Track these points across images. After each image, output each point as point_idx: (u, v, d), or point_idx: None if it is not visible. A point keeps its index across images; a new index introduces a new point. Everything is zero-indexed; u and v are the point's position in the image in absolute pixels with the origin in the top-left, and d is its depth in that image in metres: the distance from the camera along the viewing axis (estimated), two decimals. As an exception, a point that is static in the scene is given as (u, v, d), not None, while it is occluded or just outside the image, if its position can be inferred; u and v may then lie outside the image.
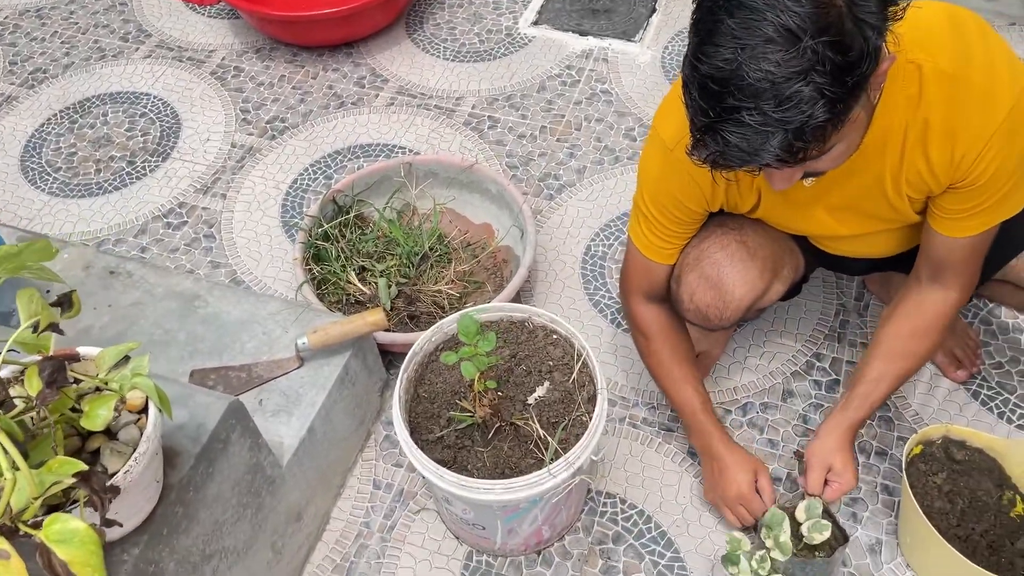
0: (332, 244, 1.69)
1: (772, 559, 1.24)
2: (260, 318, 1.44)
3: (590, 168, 2.00)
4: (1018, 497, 1.27)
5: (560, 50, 2.29)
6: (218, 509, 1.12)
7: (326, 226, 1.70)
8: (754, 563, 1.24)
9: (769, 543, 1.25)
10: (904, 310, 1.26)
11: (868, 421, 1.39)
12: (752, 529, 1.33)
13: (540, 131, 2.09)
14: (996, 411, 1.52)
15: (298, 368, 1.38)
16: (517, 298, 1.71)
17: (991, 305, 1.65)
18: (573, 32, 2.32)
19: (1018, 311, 1.54)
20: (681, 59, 2.27)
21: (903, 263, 1.36)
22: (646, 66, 2.23)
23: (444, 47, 2.33)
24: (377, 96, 2.20)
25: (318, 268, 1.67)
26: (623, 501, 1.46)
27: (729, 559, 1.27)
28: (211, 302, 1.45)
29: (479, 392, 1.17)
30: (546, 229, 1.88)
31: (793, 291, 1.51)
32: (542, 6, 2.41)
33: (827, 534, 1.23)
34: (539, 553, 1.40)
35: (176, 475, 1.03)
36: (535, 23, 2.36)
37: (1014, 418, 1.51)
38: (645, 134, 2.06)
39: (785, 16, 0.79)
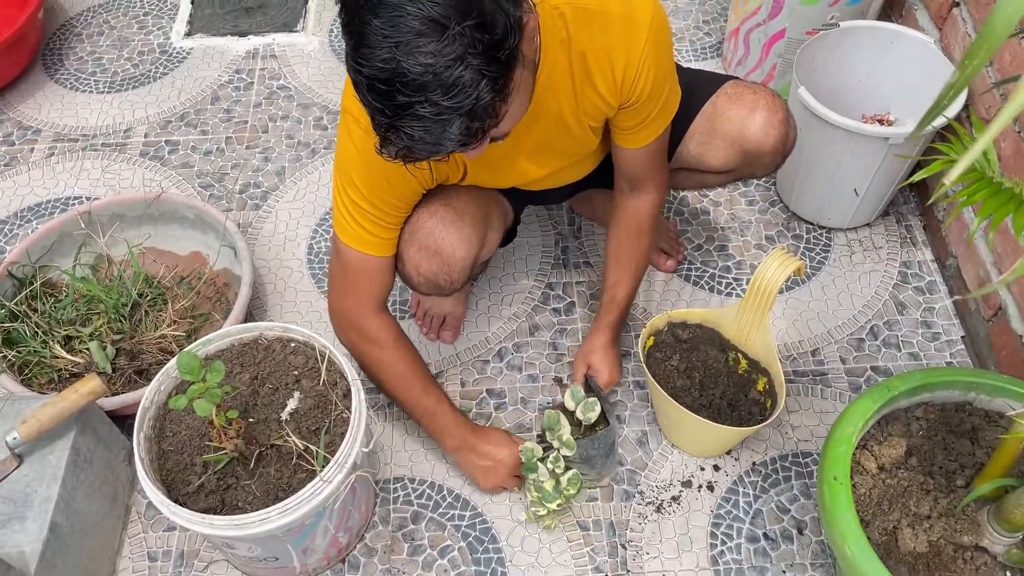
0: (22, 323, 1.51)
1: (563, 456, 1.33)
2: (-45, 428, 1.26)
3: (289, 167, 1.94)
4: (739, 355, 1.42)
5: (223, 56, 2.19)
6: (-40, 653, 0.98)
7: (9, 304, 1.51)
8: (550, 464, 1.33)
9: (556, 443, 1.33)
10: (616, 220, 1.41)
11: (626, 320, 1.51)
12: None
13: (226, 143, 1.99)
14: (706, 287, 1.70)
15: (18, 467, 1.22)
16: (250, 318, 1.63)
17: (680, 196, 1.83)
18: (232, 35, 2.22)
19: (697, 189, 1.71)
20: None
21: (594, 180, 1.47)
22: (316, 53, 2.19)
23: (95, 80, 2.13)
24: (32, 150, 1.98)
25: (14, 352, 1.48)
26: (412, 480, 1.46)
27: (527, 467, 1.34)
28: None
29: (222, 426, 1.11)
30: (261, 239, 1.81)
31: (509, 236, 1.58)
32: (191, 15, 2.28)
33: (599, 409, 1.35)
34: (344, 560, 1.37)
35: None
36: (188, 34, 2.23)
37: (721, 288, 1.69)
38: (335, 120, 2.03)
39: (427, 8, 0.80)
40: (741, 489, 1.43)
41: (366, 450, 1.22)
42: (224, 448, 1.15)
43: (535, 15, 0.94)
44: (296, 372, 1.28)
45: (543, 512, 1.36)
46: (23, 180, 1.92)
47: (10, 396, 1.33)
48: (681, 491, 1.43)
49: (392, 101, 0.84)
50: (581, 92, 1.15)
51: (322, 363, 1.28)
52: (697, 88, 1.37)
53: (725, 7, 2.24)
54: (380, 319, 1.32)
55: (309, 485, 1.13)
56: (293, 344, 1.31)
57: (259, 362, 1.29)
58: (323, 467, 1.15)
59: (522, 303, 1.69)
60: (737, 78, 1.40)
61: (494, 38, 0.83)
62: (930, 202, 1.69)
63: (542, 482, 1.34)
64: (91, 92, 2.11)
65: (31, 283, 1.57)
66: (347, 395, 1.25)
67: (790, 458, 1.46)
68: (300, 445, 1.18)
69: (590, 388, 1.43)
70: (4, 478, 1.21)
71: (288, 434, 1.19)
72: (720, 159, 1.37)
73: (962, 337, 1.59)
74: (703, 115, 1.36)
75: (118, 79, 2.14)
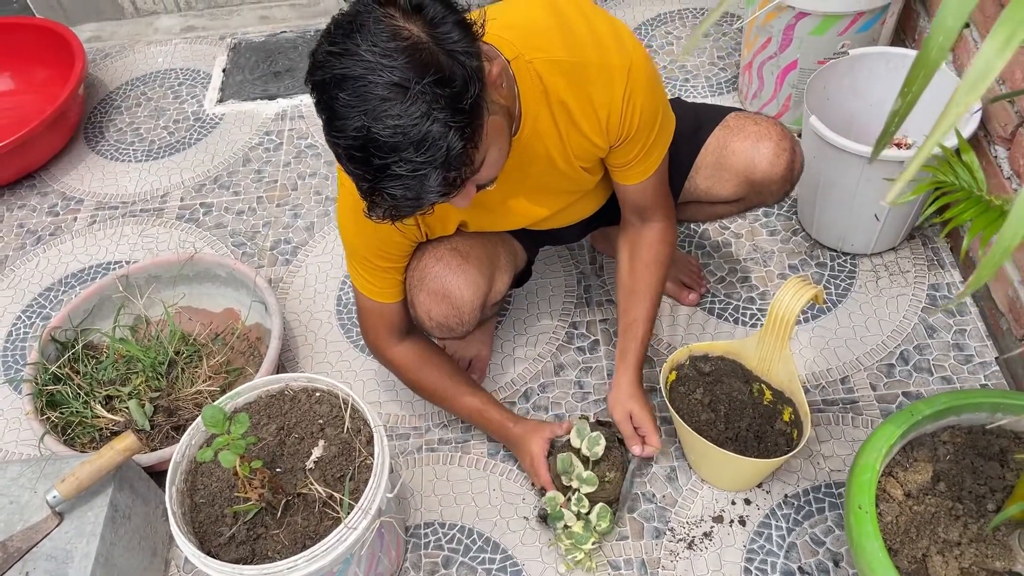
0: (65, 384, 1.57)
1: (586, 496, 1.33)
2: (1, 488, 1.31)
3: (318, 223, 2.00)
4: (763, 386, 1.41)
5: (254, 119, 2.27)
6: None
7: (52, 368, 1.58)
8: (573, 507, 1.33)
9: (576, 484, 1.33)
10: (629, 251, 1.42)
11: (648, 355, 1.52)
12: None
13: (257, 202, 2.06)
14: (731, 319, 1.69)
15: (59, 525, 1.27)
16: (282, 369, 1.68)
17: (701, 229, 1.84)
18: (261, 99, 2.31)
19: (708, 220, 1.72)
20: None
21: (607, 217, 1.49)
22: (341, 111, 2.26)
23: (133, 150, 2.24)
24: (75, 219, 2.07)
25: (57, 414, 1.54)
26: (442, 525, 1.47)
27: (554, 516, 1.34)
28: (-63, 492, 1.30)
29: (246, 477, 1.14)
30: (292, 293, 1.86)
31: (523, 277, 1.60)
32: (223, 83, 2.38)
33: (603, 443, 1.34)
34: (376, 608, 1.38)
35: None
36: (220, 101, 2.33)
37: (746, 319, 1.69)
38: (360, 174, 2.09)
39: (386, 74, 0.84)
40: (774, 522, 1.40)
41: (391, 495, 1.24)
42: (250, 498, 1.18)
43: (498, 62, 0.97)
44: (321, 421, 1.31)
45: (580, 556, 1.35)
46: (67, 248, 2.01)
47: (52, 456, 1.38)
48: (712, 527, 1.41)
49: (369, 165, 0.88)
50: (568, 137, 1.18)
51: (346, 411, 1.30)
52: (700, 122, 1.39)
53: (739, 42, 2.26)
54: (402, 347, 1.41)
55: (334, 532, 1.15)
56: (318, 393, 1.34)
57: (285, 412, 1.32)
58: (348, 514, 1.17)
59: (547, 343, 1.71)
60: (740, 109, 1.42)
61: (454, 90, 0.87)
62: (920, 222, 1.69)
63: (570, 527, 1.34)
64: (130, 161, 2.21)
65: (73, 346, 1.64)
66: (371, 441, 1.27)
67: (823, 489, 1.43)
68: (324, 493, 1.21)
69: (599, 424, 1.42)
70: (46, 536, 1.25)
71: (311, 482, 1.22)
72: (728, 190, 1.38)
73: (996, 358, 1.56)
74: (708, 149, 1.37)
75: (155, 147, 2.23)
